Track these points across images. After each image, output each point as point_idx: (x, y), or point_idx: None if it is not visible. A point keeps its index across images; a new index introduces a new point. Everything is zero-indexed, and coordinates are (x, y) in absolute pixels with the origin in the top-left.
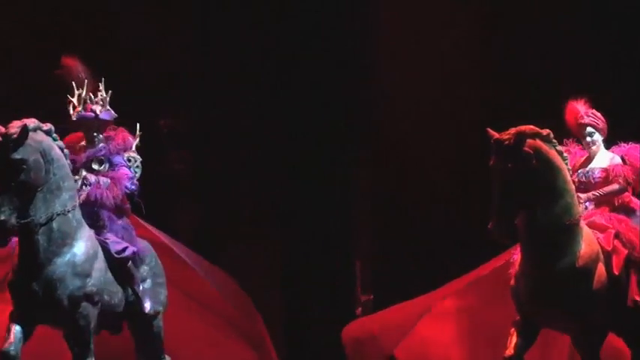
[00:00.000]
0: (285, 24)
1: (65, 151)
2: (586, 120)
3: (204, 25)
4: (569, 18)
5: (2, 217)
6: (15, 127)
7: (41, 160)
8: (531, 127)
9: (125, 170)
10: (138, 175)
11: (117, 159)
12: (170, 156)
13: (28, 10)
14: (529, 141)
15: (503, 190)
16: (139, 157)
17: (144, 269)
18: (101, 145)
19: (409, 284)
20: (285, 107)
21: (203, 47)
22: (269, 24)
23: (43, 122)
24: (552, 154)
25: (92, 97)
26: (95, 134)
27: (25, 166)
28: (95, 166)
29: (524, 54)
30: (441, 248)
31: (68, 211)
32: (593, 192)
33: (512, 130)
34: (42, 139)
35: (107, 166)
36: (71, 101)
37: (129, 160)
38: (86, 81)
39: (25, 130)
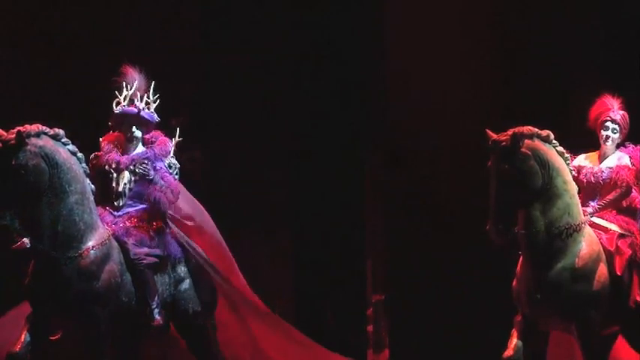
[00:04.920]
0: (298, 22)
1: (79, 155)
2: (617, 116)
3: (215, 23)
4: (581, 19)
5: (5, 222)
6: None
7: (43, 165)
8: (529, 127)
9: (171, 178)
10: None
11: (159, 164)
12: (180, 155)
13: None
14: (527, 141)
15: (500, 191)
16: (176, 162)
17: (181, 270)
18: (146, 148)
19: (420, 284)
20: (298, 105)
21: (214, 45)
22: (283, 22)
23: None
24: (551, 154)
25: (139, 96)
26: (134, 131)
27: (23, 172)
28: (141, 166)
29: (540, 54)
30: (453, 248)
31: (74, 215)
32: (598, 202)
33: (510, 131)
34: (45, 143)
35: (151, 167)
36: (118, 99)
37: (169, 167)
38: (136, 82)
39: (20, 137)
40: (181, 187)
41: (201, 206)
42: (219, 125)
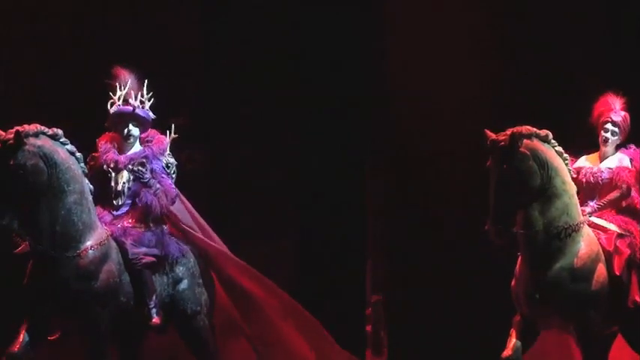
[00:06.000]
0: (298, 23)
1: (77, 155)
2: (618, 118)
3: (215, 23)
4: (582, 18)
5: (3, 223)
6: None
7: (41, 165)
8: (528, 127)
9: (168, 181)
10: (173, 181)
11: (156, 164)
12: (180, 155)
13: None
14: (526, 141)
15: (499, 191)
16: (174, 160)
17: (179, 270)
18: (142, 148)
19: (420, 284)
20: (298, 106)
21: (214, 45)
22: (283, 22)
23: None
24: (550, 154)
25: (133, 95)
26: (130, 129)
27: (22, 172)
28: (138, 169)
29: (541, 54)
30: (452, 248)
31: (73, 215)
32: (597, 202)
33: (509, 131)
34: (43, 143)
35: (148, 168)
36: (112, 99)
37: (167, 167)
38: (130, 82)
39: (19, 136)
40: (178, 194)
41: (197, 216)
42: (220, 125)
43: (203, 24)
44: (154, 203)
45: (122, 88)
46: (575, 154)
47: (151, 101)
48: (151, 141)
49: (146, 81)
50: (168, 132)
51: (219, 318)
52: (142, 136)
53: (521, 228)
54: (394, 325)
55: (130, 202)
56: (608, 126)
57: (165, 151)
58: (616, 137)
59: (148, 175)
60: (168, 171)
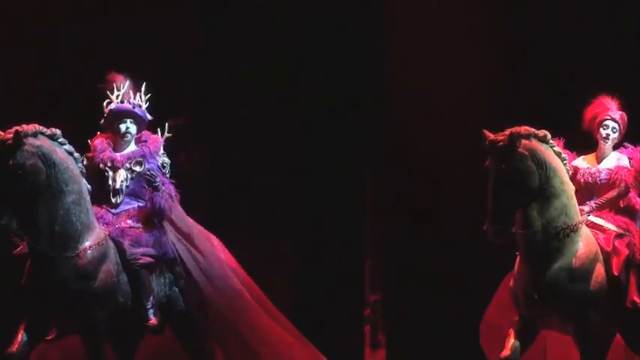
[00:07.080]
0: (298, 23)
1: (75, 155)
2: (617, 115)
3: (215, 23)
4: (582, 19)
5: (2, 222)
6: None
7: (40, 165)
8: (526, 127)
9: (166, 180)
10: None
11: (152, 163)
12: (179, 156)
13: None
14: (524, 142)
15: (498, 191)
16: (168, 160)
17: (177, 270)
18: (138, 147)
19: (418, 284)
20: (298, 106)
21: (214, 45)
22: (283, 22)
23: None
24: (548, 154)
25: (132, 96)
26: (128, 127)
27: (21, 171)
28: (136, 168)
29: (540, 54)
30: (452, 248)
31: (71, 215)
32: (595, 201)
33: (507, 131)
34: (42, 143)
35: (145, 167)
36: (110, 98)
37: (162, 166)
38: (127, 83)
39: (18, 136)
40: None
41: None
42: (219, 125)
43: (203, 24)
44: (165, 207)
45: (121, 87)
46: (576, 154)
47: (147, 104)
48: (146, 141)
49: (144, 84)
50: (160, 131)
51: (215, 318)
52: (136, 137)
53: (520, 228)
54: (393, 325)
55: (128, 200)
56: (609, 122)
57: (160, 150)
58: (616, 134)
59: (159, 180)
60: (164, 170)
